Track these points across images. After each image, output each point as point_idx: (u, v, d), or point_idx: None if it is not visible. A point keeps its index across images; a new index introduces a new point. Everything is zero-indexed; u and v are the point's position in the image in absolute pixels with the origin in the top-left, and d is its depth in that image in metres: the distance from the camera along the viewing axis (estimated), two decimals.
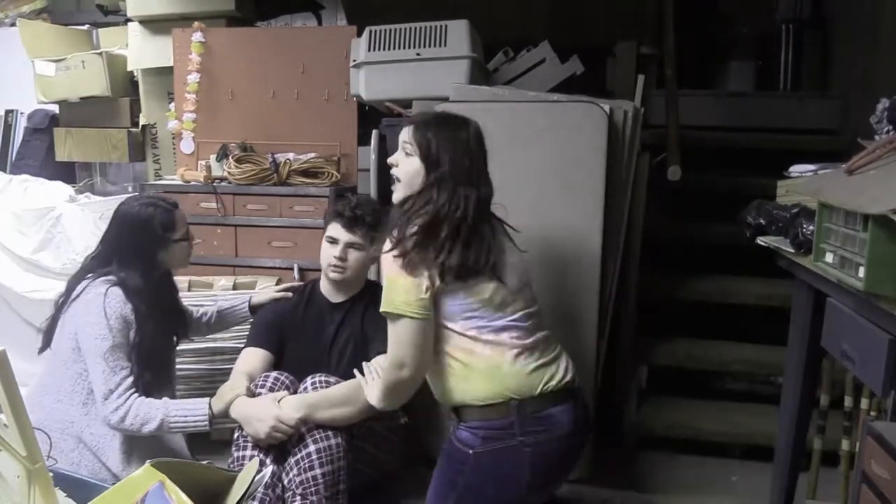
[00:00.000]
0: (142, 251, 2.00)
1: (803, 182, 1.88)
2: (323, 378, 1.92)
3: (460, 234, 1.61)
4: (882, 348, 1.27)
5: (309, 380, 1.93)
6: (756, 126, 3.69)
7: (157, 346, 2.03)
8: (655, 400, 2.85)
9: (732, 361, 2.85)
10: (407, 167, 1.69)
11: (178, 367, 2.43)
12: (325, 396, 1.87)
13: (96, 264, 2.03)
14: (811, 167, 1.96)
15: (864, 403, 1.95)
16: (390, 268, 1.61)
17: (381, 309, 1.63)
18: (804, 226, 1.63)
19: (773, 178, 2.07)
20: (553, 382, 1.63)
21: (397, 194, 1.72)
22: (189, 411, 1.90)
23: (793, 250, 1.71)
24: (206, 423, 1.90)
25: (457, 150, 1.66)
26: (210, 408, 1.90)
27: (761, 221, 1.89)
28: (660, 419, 2.75)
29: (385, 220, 2.17)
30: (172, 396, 2.08)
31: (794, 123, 3.66)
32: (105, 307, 1.90)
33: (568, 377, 1.67)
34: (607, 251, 2.26)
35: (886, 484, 1.11)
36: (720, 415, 2.79)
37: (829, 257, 1.47)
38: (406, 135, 1.71)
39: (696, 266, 3.08)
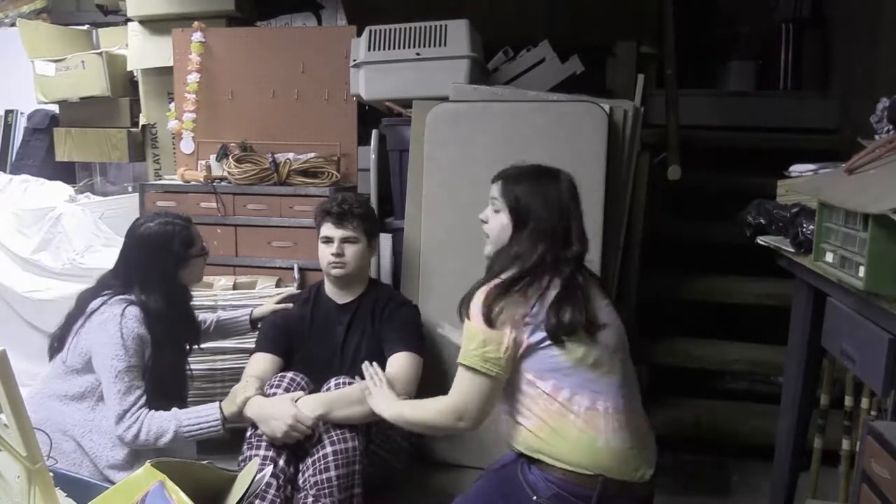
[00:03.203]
0: (165, 271, 1.99)
1: (803, 181, 1.88)
2: (347, 380, 1.92)
3: (550, 290, 1.55)
4: (882, 347, 1.27)
5: (333, 381, 1.93)
6: (756, 125, 3.69)
7: (176, 361, 2.04)
8: (655, 400, 2.85)
9: (733, 361, 2.86)
10: (495, 223, 1.66)
11: None
12: (341, 395, 1.87)
13: (116, 283, 2.01)
14: (811, 166, 1.95)
15: (864, 403, 1.95)
16: (472, 318, 1.56)
17: (458, 360, 1.58)
18: (804, 225, 1.63)
19: (773, 178, 2.06)
20: (645, 477, 1.57)
21: (487, 249, 1.69)
22: (201, 417, 1.90)
23: (793, 250, 1.70)
24: (219, 426, 1.90)
25: (547, 205, 1.61)
26: (221, 410, 1.90)
27: (761, 221, 1.89)
28: (660, 418, 2.74)
29: (372, 211, 2.19)
30: (186, 405, 2.09)
31: (794, 123, 3.66)
32: (122, 328, 1.89)
33: (652, 469, 1.60)
34: (607, 251, 2.25)
35: (887, 483, 1.10)
36: (720, 414, 2.79)
37: (829, 257, 1.47)
38: (495, 190, 1.68)
39: (696, 266, 3.09)
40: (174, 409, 1.93)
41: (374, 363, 1.89)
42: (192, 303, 2.21)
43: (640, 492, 1.58)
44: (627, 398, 1.59)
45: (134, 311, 1.93)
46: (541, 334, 1.53)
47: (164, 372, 1.99)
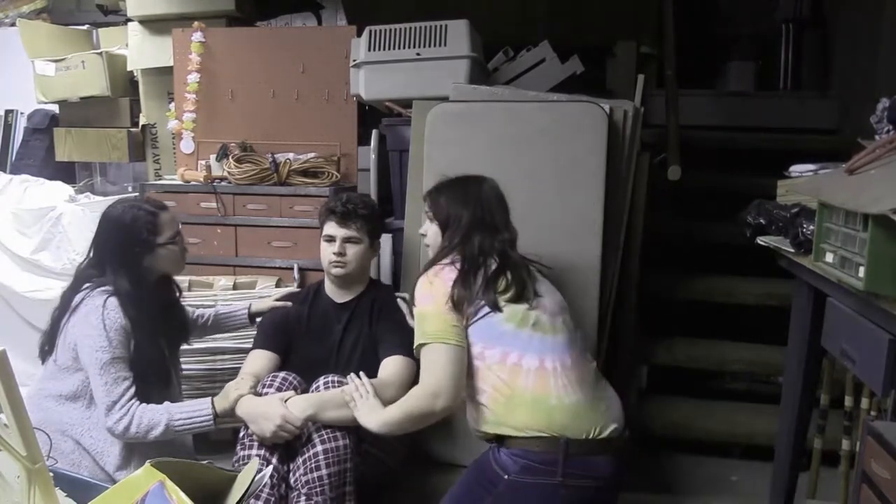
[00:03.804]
0: (127, 256, 1.97)
1: (803, 182, 1.88)
2: (336, 378, 1.91)
3: (485, 266, 1.71)
4: (882, 348, 1.27)
5: (322, 380, 1.92)
6: (756, 126, 3.69)
7: (156, 351, 2.01)
8: (655, 400, 2.85)
9: (732, 361, 2.86)
10: (430, 232, 1.86)
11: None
12: (332, 397, 1.86)
13: (91, 273, 2.00)
14: (811, 167, 1.96)
15: (864, 403, 1.95)
16: (419, 302, 1.70)
17: (415, 343, 1.69)
18: (804, 225, 1.63)
19: (773, 178, 2.07)
20: (606, 432, 1.60)
21: (430, 256, 1.85)
22: (193, 412, 1.90)
23: (793, 250, 1.71)
24: (211, 421, 1.90)
25: (467, 204, 1.79)
26: (213, 406, 1.90)
27: (761, 221, 1.89)
28: (660, 419, 2.75)
29: (377, 212, 2.20)
30: (178, 400, 2.08)
31: (794, 123, 3.66)
32: (104, 319, 1.88)
33: (619, 425, 1.64)
34: (607, 251, 2.25)
35: (887, 483, 1.11)
36: (720, 415, 2.78)
37: (829, 257, 1.47)
38: (425, 205, 1.89)
39: (696, 266, 3.08)
40: (166, 403, 1.92)
41: (362, 374, 1.89)
42: (177, 296, 2.18)
43: (607, 448, 1.60)
44: (575, 356, 1.67)
45: (115, 302, 1.91)
46: (481, 302, 1.65)
47: (149, 364, 1.97)
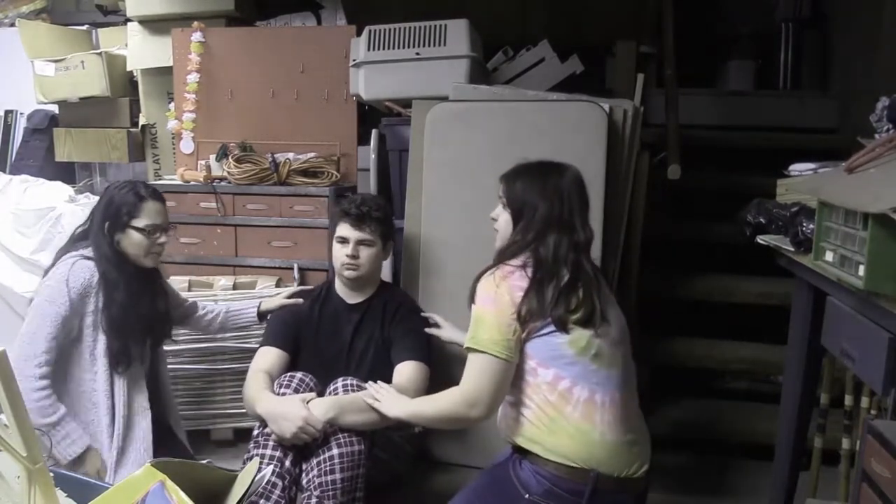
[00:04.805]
0: (104, 227, 1.98)
1: (803, 181, 1.88)
2: (355, 382, 1.91)
3: (557, 277, 1.58)
4: (882, 347, 1.27)
5: (340, 381, 1.92)
6: (756, 125, 3.69)
7: (129, 325, 1.98)
8: (656, 399, 2.85)
9: (733, 360, 2.86)
10: (501, 220, 1.72)
11: (178, 367, 2.43)
12: (353, 400, 1.85)
13: (80, 235, 2.05)
14: (811, 166, 1.95)
15: (864, 402, 1.95)
16: (479, 303, 1.60)
17: (465, 345, 1.60)
18: (804, 224, 1.63)
19: (773, 177, 2.07)
20: (639, 473, 1.58)
21: (496, 244, 1.73)
22: (68, 438, 1.87)
23: (793, 249, 1.70)
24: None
25: (545, 195, 1.65)
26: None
27: (761, 220, 1.89)
28: (660, 419, 2.74)
29: (390, 215, 2.19)
30: (160, 401, 2.10)
31: (793, 122, 3.66)
32: (69, 275, 1.91)
33: (647, 466, 1.61)
34: (607, 251, 2.25)
35: (887, 482, 1.10)
36: (720, 414, 2.79)
37: (828, 256, 1.47)
38: (500, 189, 1.74)
39: (696, 265, 3.09)
40: (80, 430, 1.90)
41: (379, 381, 1.88)
42: (164, 298, 2.15)
43: (634, 487, 1.59)
44: (625, 393, 1.60)
45: (86, 264, 1.94)
46: (546, 320, 1.55)
47: (115, 327, 1.95)
